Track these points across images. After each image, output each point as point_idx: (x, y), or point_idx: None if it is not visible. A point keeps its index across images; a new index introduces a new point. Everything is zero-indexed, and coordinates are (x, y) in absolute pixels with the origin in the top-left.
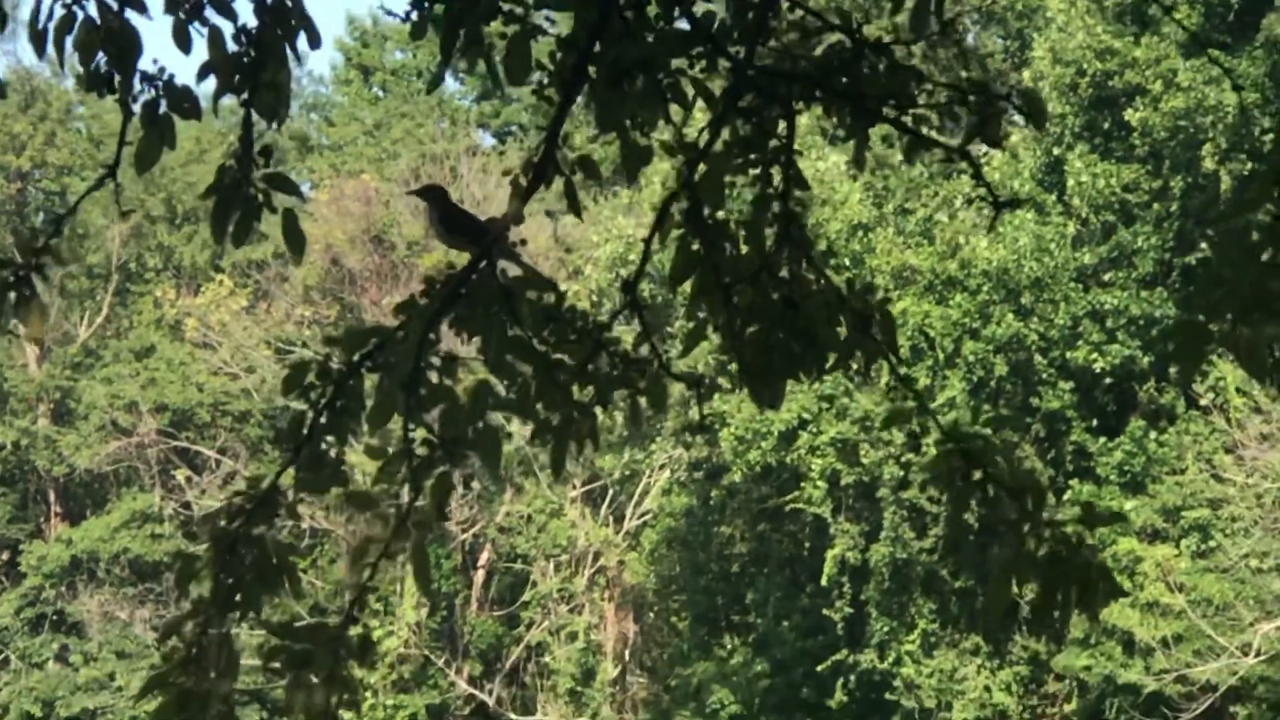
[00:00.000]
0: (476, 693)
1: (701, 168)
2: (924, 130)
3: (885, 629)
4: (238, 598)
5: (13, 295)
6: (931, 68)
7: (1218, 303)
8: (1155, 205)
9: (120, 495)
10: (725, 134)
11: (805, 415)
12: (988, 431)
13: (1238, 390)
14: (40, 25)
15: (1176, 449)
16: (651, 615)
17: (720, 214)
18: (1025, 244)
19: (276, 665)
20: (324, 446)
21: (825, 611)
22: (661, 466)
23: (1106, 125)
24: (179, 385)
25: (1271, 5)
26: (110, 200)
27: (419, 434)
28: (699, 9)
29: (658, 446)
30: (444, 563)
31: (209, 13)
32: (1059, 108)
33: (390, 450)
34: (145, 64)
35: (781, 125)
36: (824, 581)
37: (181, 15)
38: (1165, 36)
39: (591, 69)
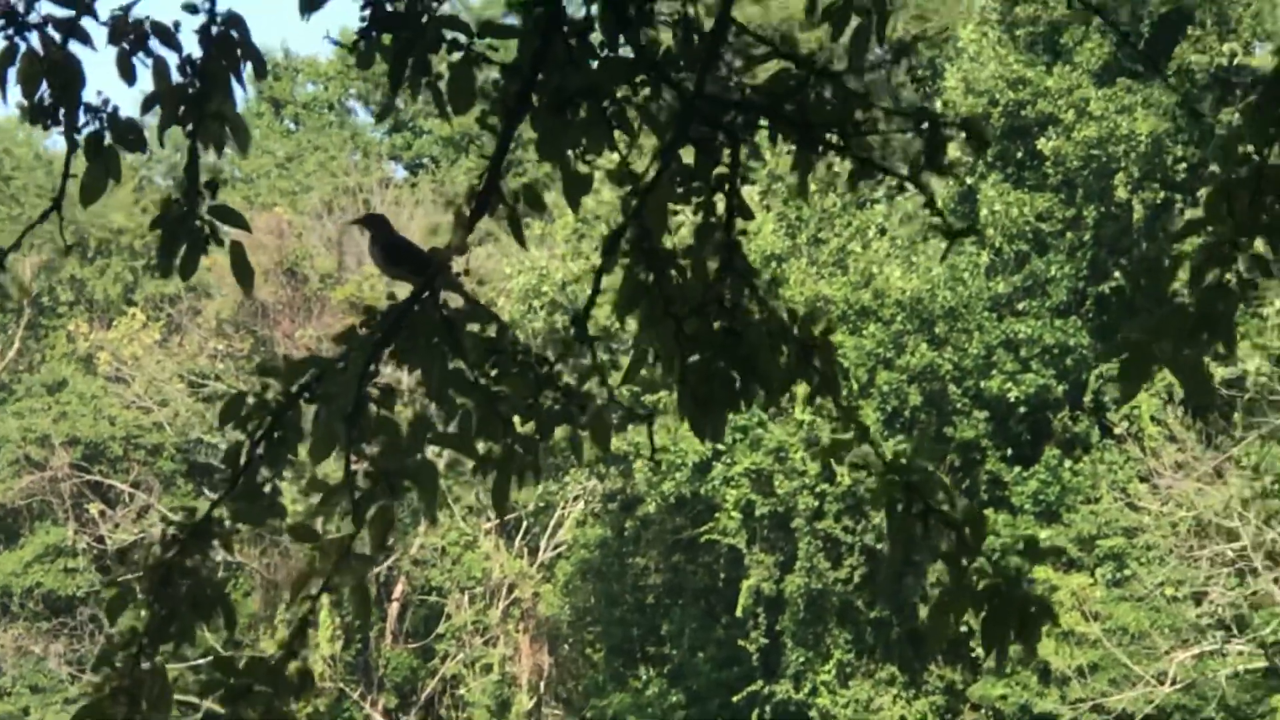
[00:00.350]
0: None
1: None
2: (867, 158)
3: (801, 659)
4: (172, 629)
5: None
6: (876, 95)
7: (1160, 325)
8: (1069, 234)
9: (33, 529)
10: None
11: (719, 446)
12: (929, 465)
13: (1152, 419)
14: None
15: (1091, 478)
16: (566, 647)
17: (667, 243)
18: (939, 274)
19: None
20: (260, 478)
21: (740, 642)
22: (575, 498)
23: (1019, 154)
24: (91, 419)
25: (1183, 34)
26: (54, 232)
27: (360, 467)
28: (644, 37)
29: (571, 478)
30: None
31: (153, 43)
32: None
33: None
34: (89, 96)
35: (726, 153)
36: (739, 612)
37: (125, 46)
38: (1077, 66)
39: (535, 97)
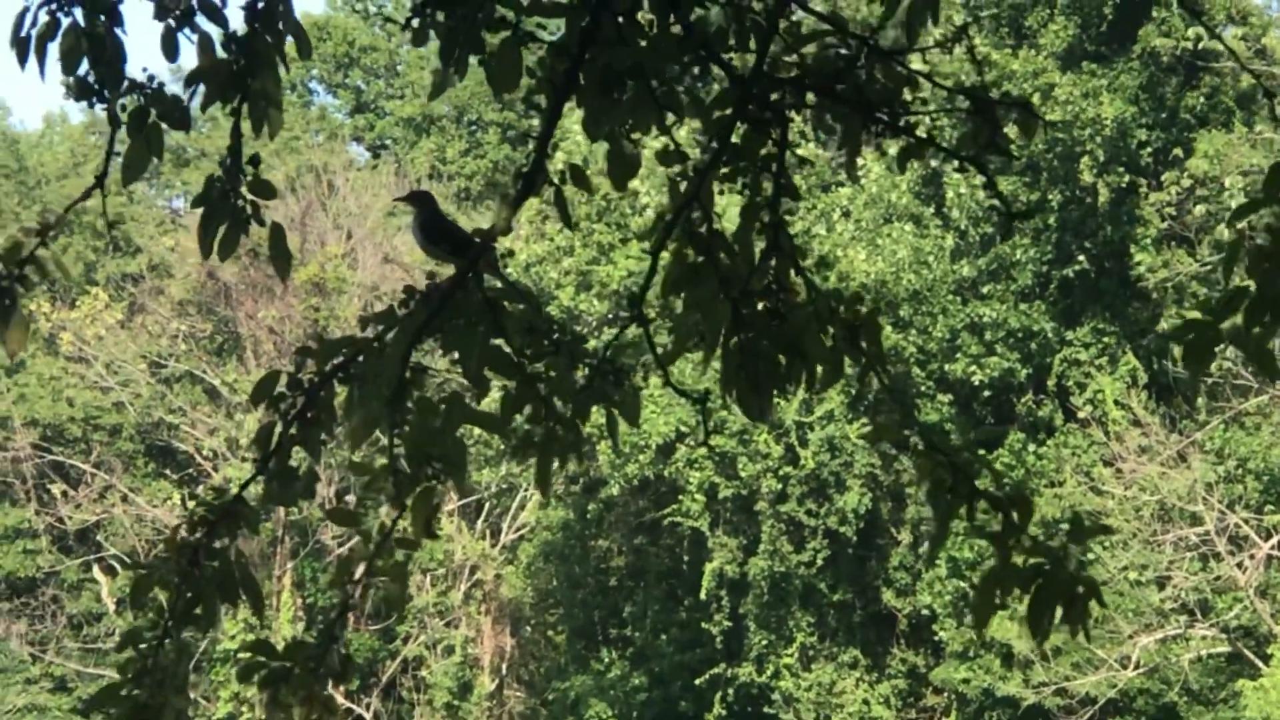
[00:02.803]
0: (353, 706)
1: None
2: (919, 136)
3: (763, 642)
4: (197, 610)
5: None
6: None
7: (1226, 304)
8: (1034, 218)
9: None
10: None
11: (683, 428)
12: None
13: (1116, 403)
14: (23, 33)
15: (1055, 462)
16: (529, 629)
17: (716, 224)
18: (904, 257)
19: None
20: (293, 459)
21: (703, 625)
22: None
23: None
24: (50, 400)
25: (1148, 17)
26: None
27: (403, 449)
28: (693, 15)
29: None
30: (320, 577)
31: (199, 19)
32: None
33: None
34: (131, 72)
35: (774, 132)
36: (702, 595)
37: (170, 22)
38: (1042, 49)
39: (582, 76)
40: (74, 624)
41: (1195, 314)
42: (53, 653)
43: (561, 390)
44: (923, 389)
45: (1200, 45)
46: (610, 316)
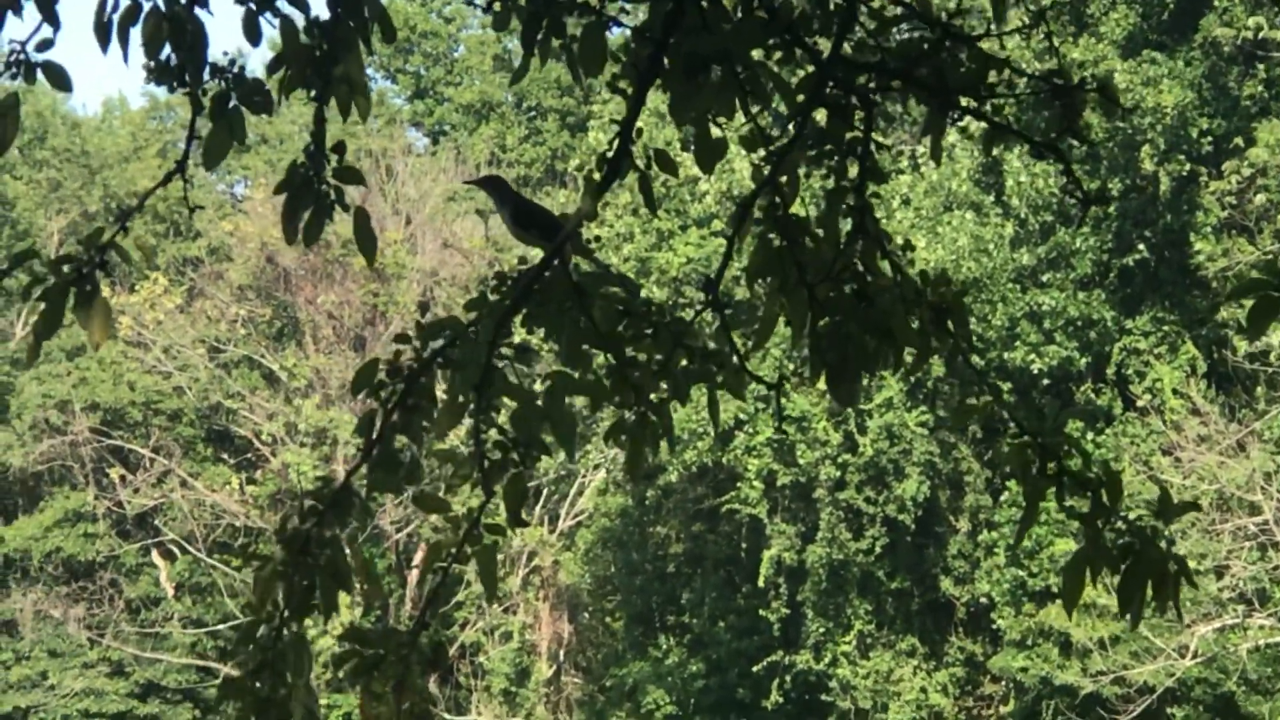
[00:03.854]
0: None
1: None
2: (1002, 121)
3: (821, 630)
4: (314, 600)
5: (73, 292)
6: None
7: None
8: (1093, 206)
9: (53, 494)
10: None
11: (741, 415)
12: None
13: (1174, 392)
14: (105, 18)
15: (1114, 450)
16: (586, 615)
17: (799, 209)
18: (964, 245)
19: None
20: (397, 445)
21: (761, 612)
22: (596, 467)
23: (1044, 126)
24: (111, 384)
25: (1209, 5)
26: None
27: (491, 435)
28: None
29: (593, 446)
30: (378, 563)
31: (281, 4)
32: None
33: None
34: (214, 55)
35: (858, 116)
36: (760, 582)
37: (252, 6)
38: (1103, 37)
39: (666, 61)
40: (132, 608)
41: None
42: (110, 637)
43: (659, 374)
44: (965, 380)
45: (1261, 35)
46: (671, 303)
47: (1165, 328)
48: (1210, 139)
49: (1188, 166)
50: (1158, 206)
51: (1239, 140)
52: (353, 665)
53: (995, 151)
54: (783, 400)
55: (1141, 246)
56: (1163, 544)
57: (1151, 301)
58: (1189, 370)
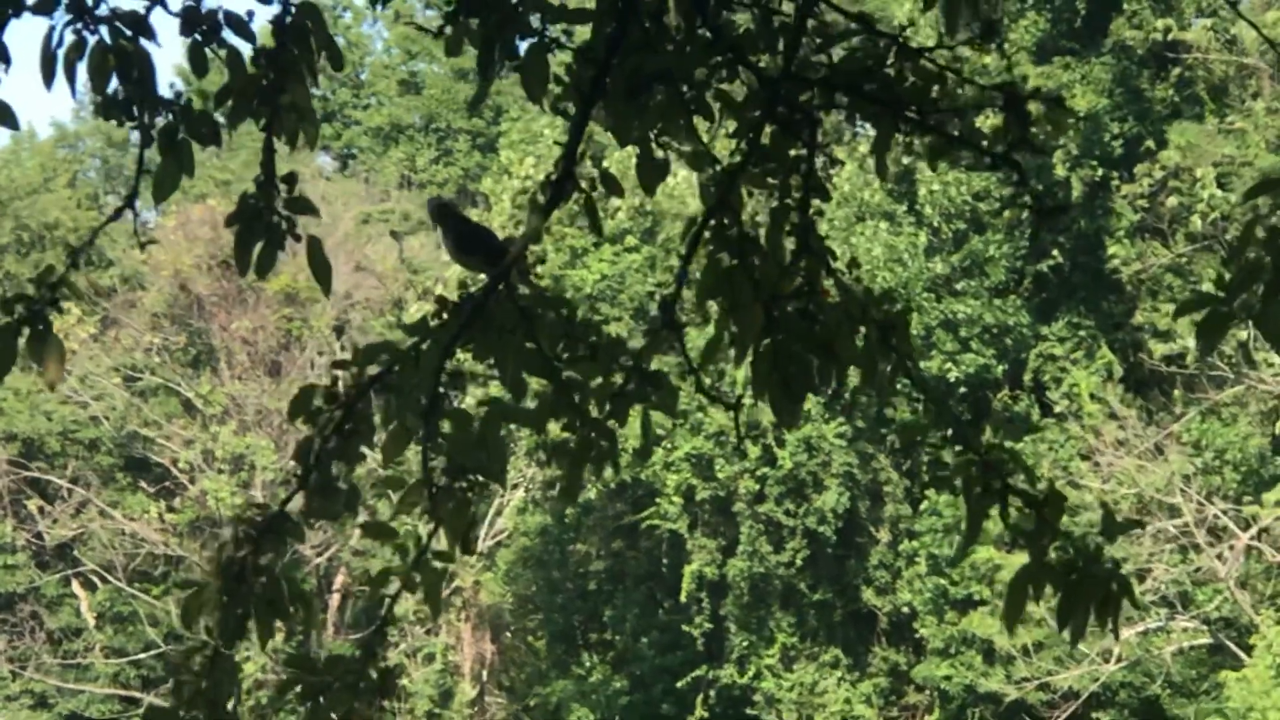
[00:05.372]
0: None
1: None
2: (951, 134)
3: (744, 643)
4: (248, 627)
5: (26, 331)
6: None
7: (1241, 280)
8: (1006, 213)
9: None
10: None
11: (659, 430)
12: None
13: (1092, 396)
14: (50, 51)
15: (1032, 457)
16: (509, 635)
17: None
18: (878, 254)
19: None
20: (334, 472)
21: (684, 627)
22: (515, 486)
23: (957, 132)
24: (28, 414)
25: (1118, 9)
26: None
27: (437, 461)
28: (721, 18)
29: (510, 466)
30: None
31: (226, 34)
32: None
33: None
34: (160, 88)
35: (804, 133)
36: (682, 597)
37: (198, 37)
38: (1014, 43)
39: (610, 81)
40: (53, 639)
41: (1205, 293)
42: (32, 668)
43: (597, 395)
44: (898, 387)
45: (1170, 36)
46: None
47: (1081, 333)
48: (1122, 142)
49: (1100, 171)
50: (1070, 211)
51: (1150, 143)
52: (299, 692)
53: (905, 160)
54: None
55: (1055, 252)
56: (1106, 561)
57: (1067, 307)
58: (1106, 375)
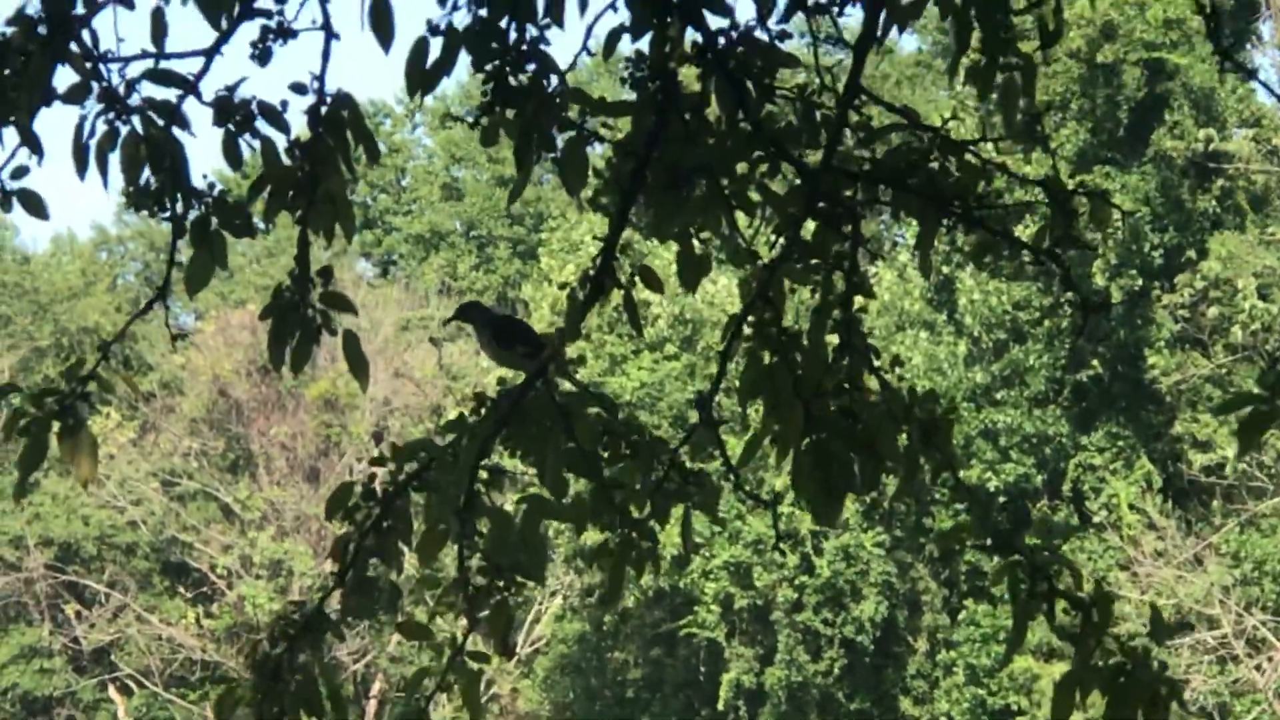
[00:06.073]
0: None
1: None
2: (996, 230)
3: None
4: None
5: (57, 426)
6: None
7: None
8: (1046, 322)
9: (8, 630)
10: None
11: (698, 539)
12: (1055, 543)
13: (1131, 507)
14: (83, 141)
15: None
16: None
17: (790, 324)
18: (918, 364)
19: None
20: (371, 570)
21: None
22: (553, 593)
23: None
24: (65, 519)
25: (1159, 119)
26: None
27: (474, 561)
28: (762, 111)
29: (549, 572)
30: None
31: (260, 124)
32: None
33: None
34: (193, 179)
35: (846, 228)
36: (720, 706)
37: (231, 128)
38: (1055, 153)
39: (650, 175)
40: None
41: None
42: None
43: (638, 495)
44: (938, 495)
45: (1211, 147)
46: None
47: (1120, 443)
48: (1162, 252)
49: (1140, 281)
50: (1111, 321)
51: (1191, 253)
52: None
53: (945, 269)
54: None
55: (1095, 362)
56: (1154, 665)
57: (1106, 417)
58: (1145, 485)
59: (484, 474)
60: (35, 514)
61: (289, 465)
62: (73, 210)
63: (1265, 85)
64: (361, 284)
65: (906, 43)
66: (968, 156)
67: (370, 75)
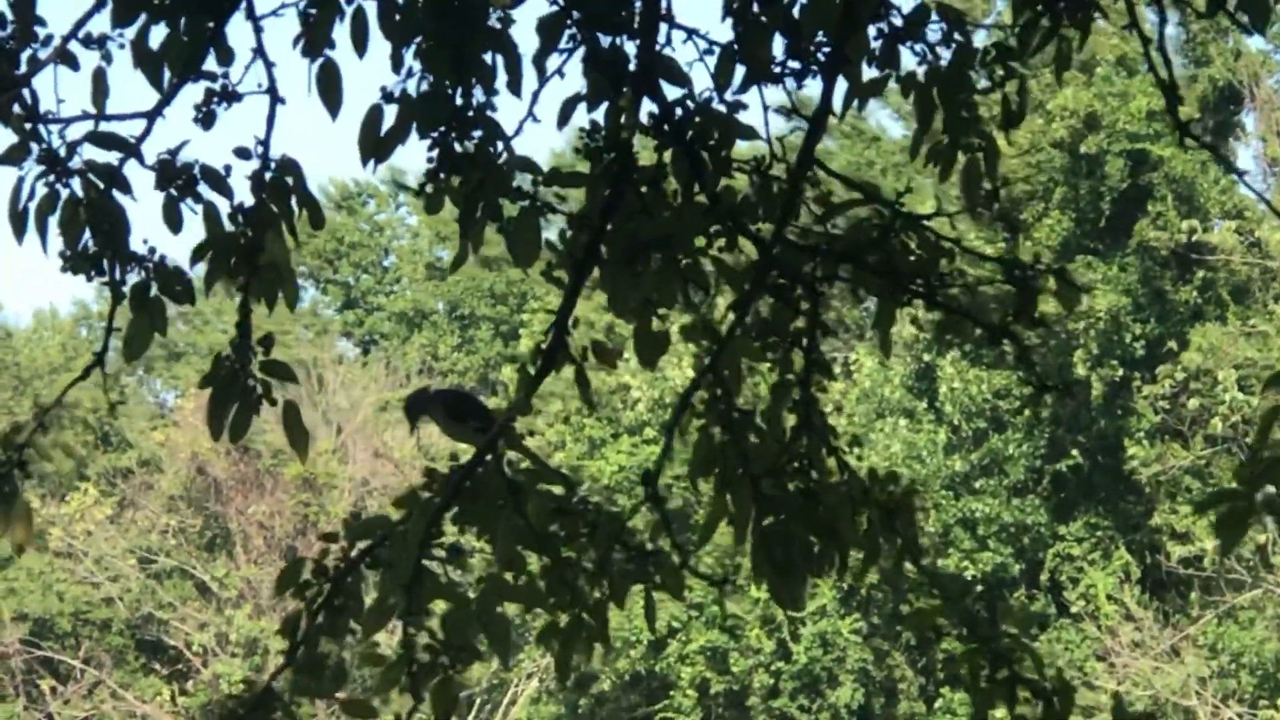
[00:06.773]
0: None
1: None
2: (957, 309)
3: None
4: None
5: None
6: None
7: (1260, 475)
8: (1026, 412)
9: None
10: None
11: (674, 623)
12: (1014, 631)
13: (1109, 597)
14: (20, 206)
15: (1047, 656)
16: None
17: (743, 402)
18: (897, 451)
19: None
20: (322, 648)
21: None
22: (529, 675)
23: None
24: (40, 595)
25: (1143, 210)
26: (99, 388)
27: (420, 638)
28: (719, 184)
29: (525, 655)
30: None
31: (203, 189)
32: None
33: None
34: (134, 244)
35: (804, 306)
36: None
37: (173, 192)
38: (1037, 242)
39: (604, 248)
40: None
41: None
42: None
43: (595, 574)
44: (910, 579)
45: (1194, 238)
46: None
47: (1099, 533)
48: (1144, 343)
49: (1120, 371)
50: (1090, 411)
51: (1172, 344)
52: None
53: (926, 357)
54: (726, 600)
55: (1075, 452)
56: None
57: (1085, 507)
58: (1123, 576)
59: (441, 551)
60: (10, 589)
61: (266, 544)
62: (56, 285)
63: (1234, 168)
64: (342, 364)
65: (893, 129)
66: (927, 233)
67: (322, 143)
